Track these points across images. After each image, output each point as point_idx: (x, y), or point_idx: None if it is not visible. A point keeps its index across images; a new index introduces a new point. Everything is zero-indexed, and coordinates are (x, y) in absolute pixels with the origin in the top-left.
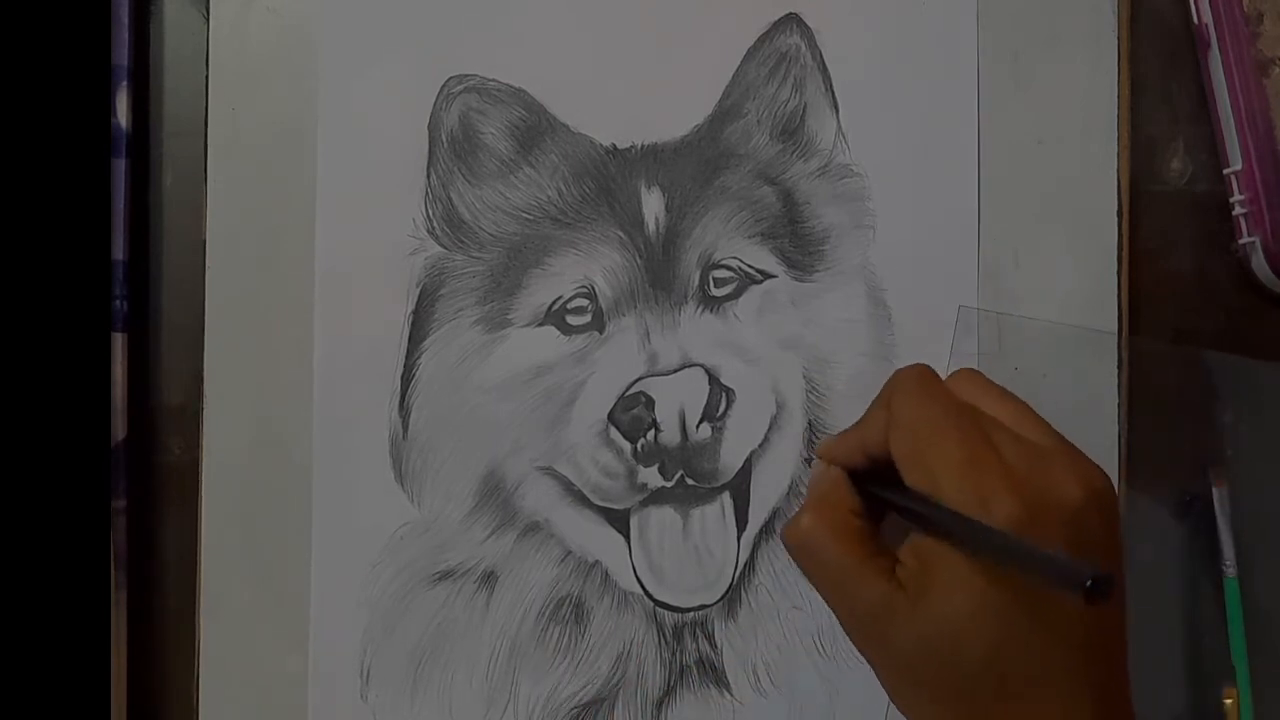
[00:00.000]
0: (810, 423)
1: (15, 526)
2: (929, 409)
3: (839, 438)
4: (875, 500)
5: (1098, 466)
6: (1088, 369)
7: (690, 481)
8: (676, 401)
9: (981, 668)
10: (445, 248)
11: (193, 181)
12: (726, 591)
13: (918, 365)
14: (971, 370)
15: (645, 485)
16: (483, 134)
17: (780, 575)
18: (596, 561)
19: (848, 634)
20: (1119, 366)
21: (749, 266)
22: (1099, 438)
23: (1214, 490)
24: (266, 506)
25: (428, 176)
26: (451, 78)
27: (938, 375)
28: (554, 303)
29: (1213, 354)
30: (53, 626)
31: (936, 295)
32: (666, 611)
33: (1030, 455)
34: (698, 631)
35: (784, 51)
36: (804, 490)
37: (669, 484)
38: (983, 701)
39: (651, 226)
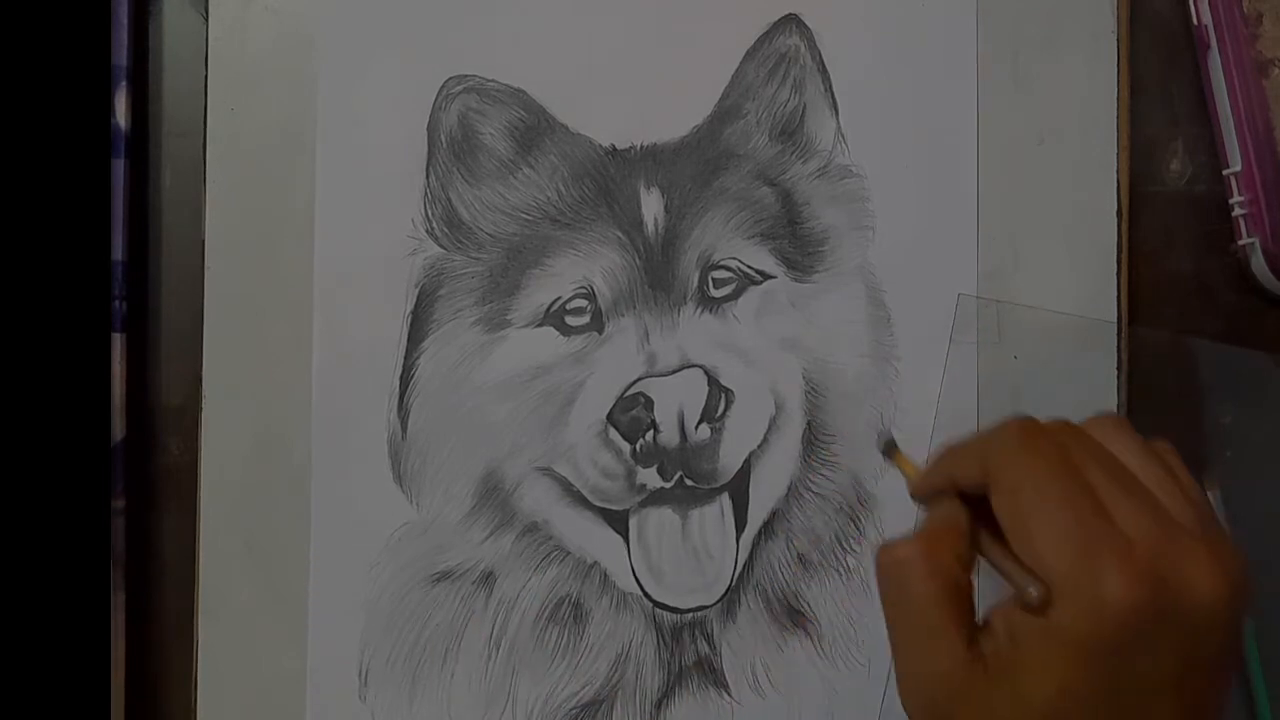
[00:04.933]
0: (809, 424)
1: (15, 526)
2: (1030, 469)
3: (935, 465)
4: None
5: (1238, 551)
6: (1087, 359)
7: (689, 482)
8: (675, 402)
9: None
10: (444, 248)
11: (192, 182)
12: (725, 592)
13: (1019, 419)
14: (1118, 418)
15: (644, 486)
16: (482, 134)
17: (779, 576)
18: (595, 562)
19: (902, 694)
20: (1118, 367)
21: (748, 267)
22: None
23: (1210, 493)
24: (265, 507)
25: (427, 177)
26: (450, 78)
27: (1042, 429)
28: (553, 303)
29: (1211, 345)
30: (52, 626)
31: (936, 296)
32: (665, 612)
33: (1159, 531)
34: (696, 632)
35: (783, 52)
36: (802, 491)
37: (668, 485)
38: None
39: (651, 227)
